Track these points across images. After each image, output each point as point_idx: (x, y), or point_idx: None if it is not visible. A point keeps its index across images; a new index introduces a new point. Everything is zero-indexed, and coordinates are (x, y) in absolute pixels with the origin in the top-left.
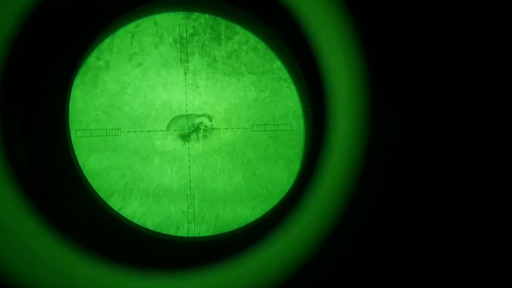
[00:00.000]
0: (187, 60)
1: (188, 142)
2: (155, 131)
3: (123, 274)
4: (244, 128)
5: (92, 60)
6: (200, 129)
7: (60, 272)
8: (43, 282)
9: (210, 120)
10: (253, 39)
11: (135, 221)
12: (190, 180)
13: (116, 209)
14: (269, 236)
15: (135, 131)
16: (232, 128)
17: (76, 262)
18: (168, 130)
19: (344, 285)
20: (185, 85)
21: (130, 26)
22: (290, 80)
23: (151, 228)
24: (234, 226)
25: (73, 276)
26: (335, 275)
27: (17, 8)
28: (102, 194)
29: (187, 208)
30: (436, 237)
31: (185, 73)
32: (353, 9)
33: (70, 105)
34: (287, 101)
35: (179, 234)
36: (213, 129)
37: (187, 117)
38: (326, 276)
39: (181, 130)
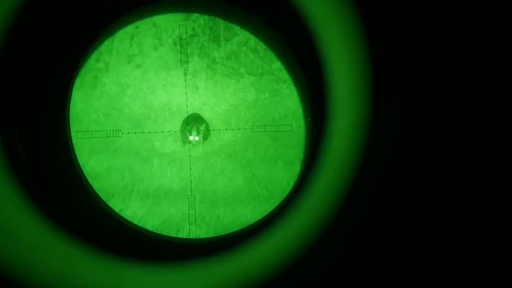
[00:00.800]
0: (187, 62)
1: (188, 143)
2: (155, 132)
3: (123, 273)
4: (244, 129)
5: (92, 62)
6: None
7: (61, 271)
8: (43, 281)
9: (207, 128)
10: (252, 40)
11: (135, 222)
12: (190, 182)
13: (116, 210)
14: (268, 234)
15: (135, 133)
16: (232, 129)
17: (78, 262)
18: (182, 131)
19: (343, 285)
20: (185, 86)
21: (130, 28)
22: (290, 81)
23: (151, 230)
24: (235, 228)
25: (74, 275)
26: (333, 275)
27: (8, 7)
28: (102, 195)
29: (188, 209)
30: (436, 237)
31: (185, 74)
32: (354, 8)
33: (70, 106)
34: (287, 102)
35: (180, 235)
36: (210, 131)
37: (187, 118)
38: (324, 276)
39: (182, 131)
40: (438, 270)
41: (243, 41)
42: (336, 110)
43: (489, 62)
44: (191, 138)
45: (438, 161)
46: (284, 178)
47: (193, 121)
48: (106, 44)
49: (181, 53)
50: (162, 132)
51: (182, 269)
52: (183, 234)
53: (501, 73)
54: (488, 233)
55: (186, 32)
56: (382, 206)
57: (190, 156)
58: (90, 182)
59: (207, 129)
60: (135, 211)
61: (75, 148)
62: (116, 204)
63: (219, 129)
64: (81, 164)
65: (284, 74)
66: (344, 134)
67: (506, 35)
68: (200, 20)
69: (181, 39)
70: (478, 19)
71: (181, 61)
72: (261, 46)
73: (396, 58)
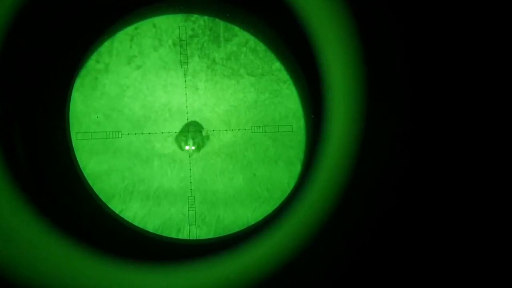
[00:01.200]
0: (187, 62)
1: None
2: (155, 133)
3: (124, 274)
4: (244, 129)
5: (92, 63)
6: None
7: (61, 272)
8: (43, 282)
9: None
10: (252, 40)
11: (136, 223)
12: (191, 182)
13: (117, 211)
14: (267, 234)
15: (135, 133)
16: (232, 130)
17: (78, 263)
18: (177, 141)
19: (342, 285)
20: (185, 87)
21: (129, 29)
22: (290, 82)
23: (151, 231)
24: (235, 228)
25: (74, 276)
26: (332, 275)
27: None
28: (102, 196)
29: (188, 210)
30: (435, 238)
31: (185, 75)
32: (354, 9)
33: (70, 107)
34: (287, 103)
35: (180, 236)
36: (209, 136)
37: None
38: (322, 276)
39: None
40: (437, 271)
41: (243, 42)
42: (334, 110)
43: (489, 62)
44: (187, 147)
45: (438, 161)
46: (284, 178)
47: (190, 128)
48: (106, 45)
49: (181, 54)
50: (162, 133)
51: (183, 269)
52: (184, 235)
53: (501, 73)
54: (488, 233)
55: (186, 33)
56: (381, 206)
57: (190, 156)
58: (90, 183)
59: (206, 135)
60: (136, 212)
61: (75, 149)
62: (116, 205)
63: (219, 130)
64: (81, 165)
65: (284, 75)
66: (343, 134)
67: (506, 35)
68: (200, 21)
69: (181, 40)
70: (478, 19)
71: (181, 62)
72: (261, 47)
73: (395, 58)
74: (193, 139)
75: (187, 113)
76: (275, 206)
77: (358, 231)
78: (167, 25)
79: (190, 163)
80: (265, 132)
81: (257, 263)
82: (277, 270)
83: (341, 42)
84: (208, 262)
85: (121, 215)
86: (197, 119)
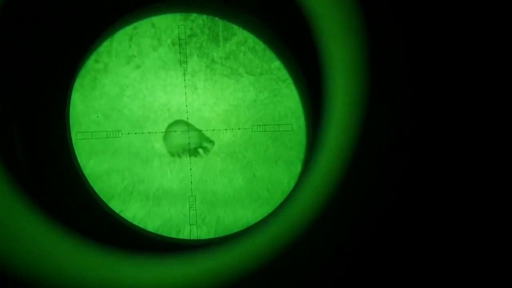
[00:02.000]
0: (186, 62)
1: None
2: (155, 133)
3: (123, 270)
4: (244, 129)
5: (91, 63)
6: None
7: (61, 270)
8: (43, 280)
9: (209, 143)
10: (251, 39)
11: (136, 223)
12: (191, 182)
13: (117, 211)
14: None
15: (135, 133)
16: (232, 129)
17: (79, 261)
18: (188, 150)
19: (342, 284)
20: (184, 87)
21: (128, 29)
22: (289, 81)
23: (152, 231)
24: (235, 229)
25: (76, 273)
26: (332, 276)
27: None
28: (103, 196)
29: (189, 210)
30: (435, 239)
31: (184, 74)
32: (354, 8)
33: (70, 107)
34: (287, 102)
35: (180, 236)
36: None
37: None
38: (320, 276)
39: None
40: (437, 271)
41: (242, 41)
42: (334, 109)
43: (490, 62)
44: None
45: (438, 161)
46: (284, 178)
47: (194, 138)
48: (105, 45)
49: (180, 53)
50: (162, 132)
51: (180, 264)
52: (184, 235)
53: (501, 73)
54: (488, 233)
55: (185, 32)
56: (381, 206)
57: (190, 156)
58: (91, 183)
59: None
60: (136, 212)
61: (75, 149)
62: (116, 205)
63: (219, 129)
64: (81, 165)
65: (284, 74)
66: (343, 134)
67: (506, 35)
68: (198, 20)
69: (180, 39)
70: (478, 19)
71: (180, 61)
72: (260, 46)
73: (396, 58)
74: (203, 146)
75: (187, 112)
76: (275, 207)
77: (358, 231)
78: (166, 24)
79: (190, 163)
80: (265, 131)
81: (254, 261)
82: (276, 269)
83: (342, 41)
84: (206, 259)
85: (121, 215)
86: (197, 119)
